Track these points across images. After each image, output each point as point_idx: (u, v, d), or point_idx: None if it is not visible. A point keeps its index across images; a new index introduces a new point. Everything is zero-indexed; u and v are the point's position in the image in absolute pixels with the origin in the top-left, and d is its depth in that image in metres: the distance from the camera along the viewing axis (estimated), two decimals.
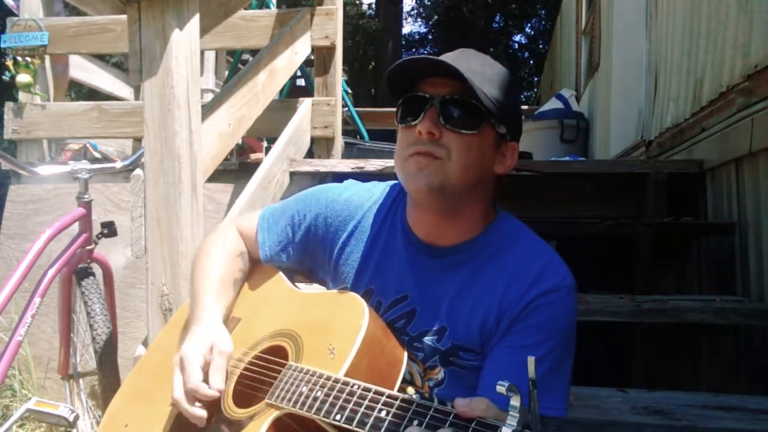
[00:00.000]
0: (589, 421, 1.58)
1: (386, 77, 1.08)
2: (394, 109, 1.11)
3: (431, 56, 1.03)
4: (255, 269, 1.29)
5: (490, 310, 1.05)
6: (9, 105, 3.11)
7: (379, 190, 1.22)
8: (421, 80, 1.06)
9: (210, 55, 4.86)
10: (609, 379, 1.94)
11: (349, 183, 1.26)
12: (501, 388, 0.73)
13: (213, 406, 1.08)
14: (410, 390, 1.10)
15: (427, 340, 1.08)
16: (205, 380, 1.06)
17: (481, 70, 1.05)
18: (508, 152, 1.10)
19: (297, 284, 1.24)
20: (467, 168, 1.04)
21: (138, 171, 1.74)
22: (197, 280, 1.23)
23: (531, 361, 0.73)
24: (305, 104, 3.03)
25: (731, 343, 2.22)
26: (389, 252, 1.14)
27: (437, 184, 1.03)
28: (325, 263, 1.21)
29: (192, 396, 1.05)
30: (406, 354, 1.06)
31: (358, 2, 18.70)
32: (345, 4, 4.40)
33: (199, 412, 1.05)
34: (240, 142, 3.90)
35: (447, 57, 1.05)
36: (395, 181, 1.21)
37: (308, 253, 1.23)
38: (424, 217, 1.11)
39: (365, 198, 1.20)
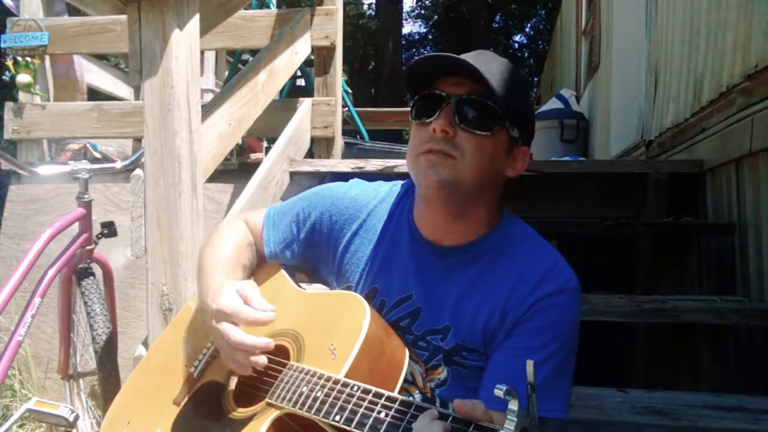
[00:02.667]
0: (589, 421, 1.58)
1: (405, 73, 1.08)
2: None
3: (451, 54, 1.02)
4: (258, 269, 1.29)
5: (494, 311, 1.05)
6: (9, 105, 3.11)
7: (385, 189, 1.22)
8: (438, 79, 1.06)
9: (210, 55, 4.85)
10: (609, 379, 1.93)
11: (355, 182, 1.25)
12: (499, 391, 0.73)
13: (214, 405, 1.08)
14: (413, 391, 1.10)
15: (432, 339, 1.08)
16: None
17: (499, 73, 1.04)
18: (519, 156, 1.10)
19: (300, 284, 1.24)
20: (478, 169, 1.04)
21: (138, 171, 1.73)
22: (207, 260, 1.22)
23: (530, 365, 0.73)
24: (305, 104, 3.02)
25: (731, 343, 2.22)
26: (394, 251, 1.14)
27: (449, 181, 1.03)
28: (329, 261, 1.21)
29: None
30: (407, 355, 1.06)
31: (358, 2, 18.71)
32: (345, 4, 4.40)
33: (266, 339, 1.06)
34: (240, 142, 3.90)
35: (466, 57, 1.04)
36: (402, 181, 1.21)
37: (312, 251, 1.23)
38: (432, 216, 1.11)
39: (371, 197, 1.20)
